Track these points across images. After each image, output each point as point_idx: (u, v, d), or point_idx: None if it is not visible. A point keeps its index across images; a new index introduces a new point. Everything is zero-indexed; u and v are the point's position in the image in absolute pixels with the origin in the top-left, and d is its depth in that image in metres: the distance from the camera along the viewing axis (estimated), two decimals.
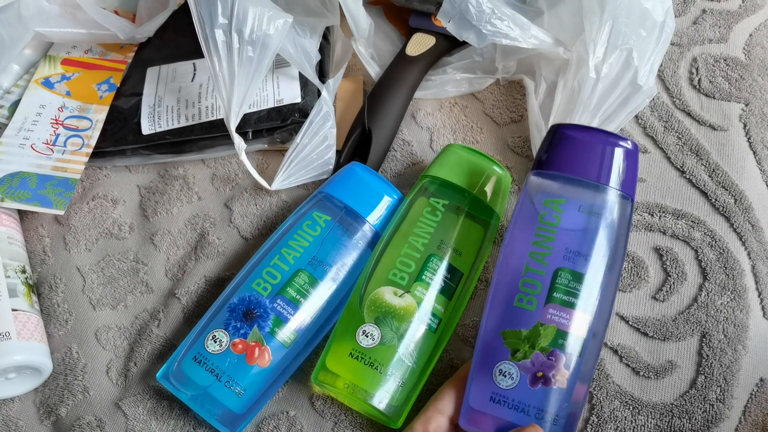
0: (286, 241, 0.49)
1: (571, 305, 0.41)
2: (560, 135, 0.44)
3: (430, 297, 0.46)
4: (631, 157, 0.43)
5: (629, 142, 0.43)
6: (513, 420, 0.40)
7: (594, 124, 0.49)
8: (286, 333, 0.46)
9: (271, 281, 0.47)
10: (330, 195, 0.50)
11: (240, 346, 0.45)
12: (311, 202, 0.51)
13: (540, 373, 0.40)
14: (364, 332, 0.45)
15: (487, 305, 0.43)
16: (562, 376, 0.40)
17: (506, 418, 0.40)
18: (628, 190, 0.43)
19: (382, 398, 0.43)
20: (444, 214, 0.48)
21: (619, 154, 0.43)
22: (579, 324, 0.41)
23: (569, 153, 0.43)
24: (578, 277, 0.41)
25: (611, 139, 0.43)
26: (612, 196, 0.43)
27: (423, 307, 0.45)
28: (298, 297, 0.47)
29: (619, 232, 0.43)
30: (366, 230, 0.50)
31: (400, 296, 0.45)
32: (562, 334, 0.40)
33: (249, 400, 0.45)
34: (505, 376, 0.41)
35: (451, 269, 0.47)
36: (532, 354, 0.40)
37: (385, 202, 0.51)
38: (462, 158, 0.50)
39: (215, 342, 0.45)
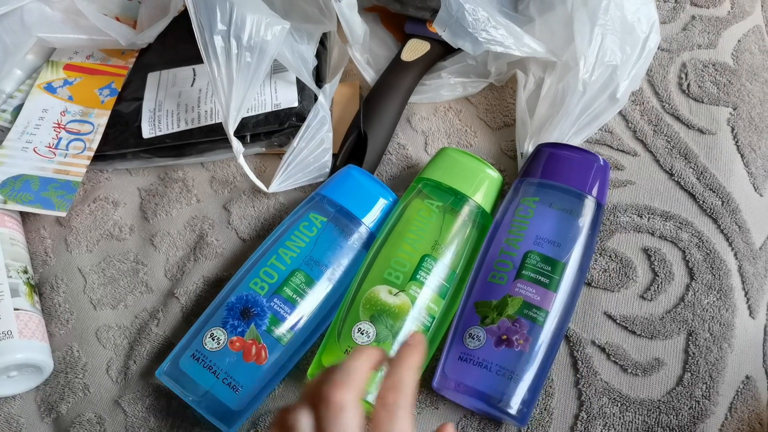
0: (284, 241, 0.49)
1: (539, 282, 0.46)
2: (541, 151, 0.51)
3: (424, 296, 0.47)
4: (599, 168, 0.50)
5: (598, 157, 0.50)
6: (477, 375, 0.44)
7: (572, 132, 0.53)
8: (282, 331, 0.47)
9: (268, 281, 0.48)
10: (326, 197, 0.51)
11: (237, 344, 0.46)
12: (308, 204, 0.51)
13: (504, 336, 0.45)
14: (359, 330, 0.46)
15: (467, 285, 0.48)
16: (524, 341, 0.44)
17: (471, 374, 0.44)
18: (596, 194, 0.49)
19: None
20: (438, 216, 0.49)
21: (588, 166, 0.50)
22: (545, 298, 0.45)
23: (547, 164, 0.50)
24: (546, 260, 0.46)
25: (581, 153, 0.50)
26: (579, 197, 0.49)
27: (417, 306, 0.46)
28: (294, 296, 0.47)
29: (586, 225, 0.48)
30: (362, 231, 0.51)
31: (395, 295, 0.46)
32: (528, 306, 0.45)
33: (246, 397, 0.46)
34: (474, 338, 0.45)
35: (444, 269, 0.48)
36: (499, 320, 0.45)
37: (381, 204, 0.52)
38: (456, 161, 0.51)
39: (213, 340, 0.46)
